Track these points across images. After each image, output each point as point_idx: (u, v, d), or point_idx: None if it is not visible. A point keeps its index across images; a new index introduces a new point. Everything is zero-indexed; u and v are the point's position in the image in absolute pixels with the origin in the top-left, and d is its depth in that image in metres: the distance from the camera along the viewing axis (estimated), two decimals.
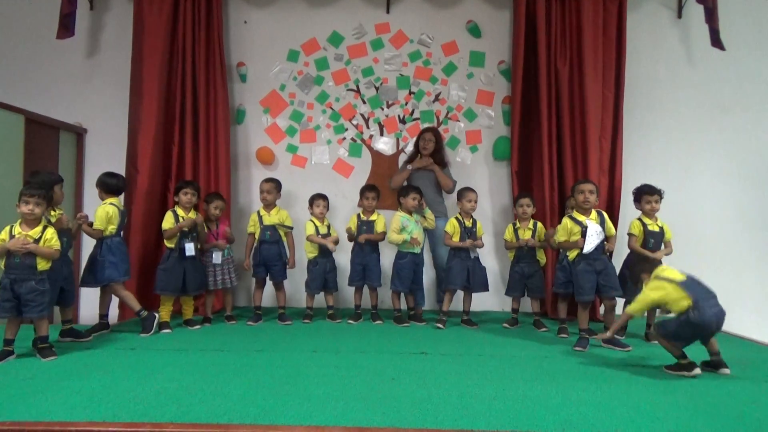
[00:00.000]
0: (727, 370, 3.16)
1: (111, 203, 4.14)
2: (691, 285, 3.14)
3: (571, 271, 4.25)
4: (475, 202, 4.64)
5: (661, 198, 4.24)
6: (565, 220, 4.01)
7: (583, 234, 3.88)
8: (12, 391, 2.65)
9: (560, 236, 4.04)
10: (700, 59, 5.43)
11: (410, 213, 4.66)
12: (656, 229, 4.18)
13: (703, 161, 5.39)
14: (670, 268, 3.31)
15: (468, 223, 4.60)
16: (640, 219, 4.23)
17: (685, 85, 5.43)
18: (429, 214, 4.76)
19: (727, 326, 4.56)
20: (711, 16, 5.11)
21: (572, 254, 3.98)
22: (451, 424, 2.28)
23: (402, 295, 4.76)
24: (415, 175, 5.09)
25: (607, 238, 3.99)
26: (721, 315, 3.10)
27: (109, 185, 4.21)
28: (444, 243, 4.68)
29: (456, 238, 4.56)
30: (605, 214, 4.08)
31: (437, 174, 5.02)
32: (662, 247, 4.21)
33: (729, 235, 5.33)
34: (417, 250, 4.66)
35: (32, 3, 5.51)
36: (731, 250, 5.32)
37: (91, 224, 4.07)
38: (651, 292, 3.22)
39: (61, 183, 3.87)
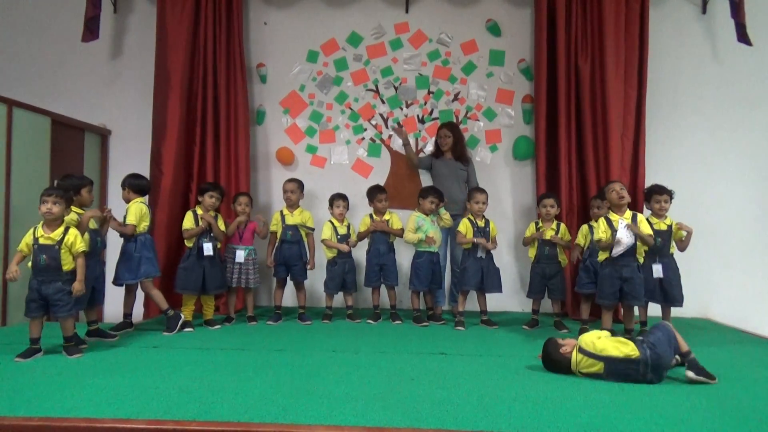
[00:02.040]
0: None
1: (141, 201, 4.22)
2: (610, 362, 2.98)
3: (595, 272, 4.22)
4: (484, 203, 4.60)
5: (671, 198, 4.19)
6: (601, 222, 3.90)
7: (614, 236, 3.75)
8: (39, 388, 2.71)
9: (598, 234, 3.90)
10: (725, 55, 5.31)
11: (426, 214, 4.66)
12: (664, 227, 4.13)
13: (728, 160, 5.27)
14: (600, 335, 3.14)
15: (480, 223, 4.58)
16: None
17: (710, 82, 5.32)
18: (445, 213, 4.75)
19: (754, 327, 4.56)
20: (737, 11, 5.00)
21: (601, 257, 3.90)
22: (471, 426, 2.27)
23: (421, 294, 4.76)
24: (440, 171, 5.09)
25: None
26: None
27: (140, 186, 4.30)
28: (457, 242, 4.67)
29: (469, 238, 4.55)
30: (639, 215, 3.94)
31: None
32: (672, 244, 4.22)
33: (755, 235, 5.22)
34: (434, 249, 4.66)
35: (58, 7, 5.62)
36: (757, 251, 5.20)
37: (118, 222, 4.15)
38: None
39: (90, 186, 3.94)
